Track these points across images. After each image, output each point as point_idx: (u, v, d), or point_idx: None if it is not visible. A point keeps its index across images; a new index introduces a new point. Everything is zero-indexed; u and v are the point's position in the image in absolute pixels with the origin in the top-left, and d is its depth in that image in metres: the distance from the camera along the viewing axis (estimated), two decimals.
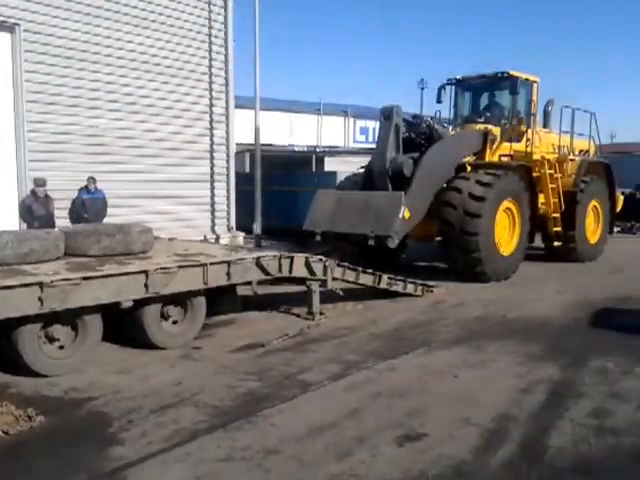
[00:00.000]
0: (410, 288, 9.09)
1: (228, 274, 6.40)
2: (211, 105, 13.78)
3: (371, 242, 9.27)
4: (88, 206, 11.01)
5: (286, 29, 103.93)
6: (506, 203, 10.60)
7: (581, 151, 14.04)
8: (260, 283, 7.61)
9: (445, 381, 5.43)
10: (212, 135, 13.87)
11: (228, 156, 14.23)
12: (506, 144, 11.86)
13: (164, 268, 5.81)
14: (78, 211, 11.02)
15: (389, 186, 10.24)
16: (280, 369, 5.68)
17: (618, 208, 14.92)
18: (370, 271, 8.36)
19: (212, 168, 13.98)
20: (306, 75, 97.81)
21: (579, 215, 12.55)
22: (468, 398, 5.00)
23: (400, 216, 9.22)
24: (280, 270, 7.00)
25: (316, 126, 34.87)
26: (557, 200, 12.04)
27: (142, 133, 12.82)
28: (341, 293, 8.05)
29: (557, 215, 12.06)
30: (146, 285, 5.70)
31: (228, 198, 14.48)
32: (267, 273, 6.85)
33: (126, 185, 12.49)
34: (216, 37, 13.92)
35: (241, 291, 7.46)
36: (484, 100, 12.95)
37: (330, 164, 20.92)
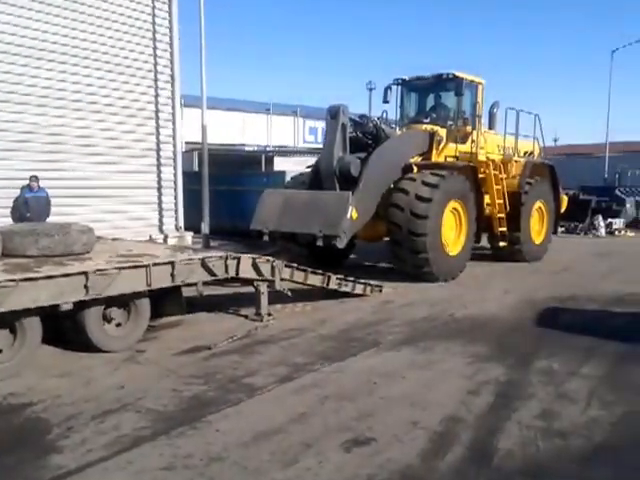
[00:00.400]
0: (359, 288, 9.08)
1: (172, 275, 6.22)
2: (157, 103, 13.46)
3: (319, 242, 9.18)
4: (31, 205, 10.63)
5: (236, 30, 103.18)
6: (452, 203, 10.67)
7: (526, 152, 14.30)
8: (208, 284, 7.43)
9: (393, 383, 5.39)
10: (158, 133, 13.56)
11: (175, 154, 13.94)
12: (452, 145, 11.97)
13: (105, 269, 5.58)
14: (21, 210, 10.62)
15: (336, 186, 10.18)
16: (226, 372, 5.54)
17: (562, 209, 15.28)
18: (319, 272, 8.30)
19: (159, 167, 13.65)
20: (257, 75, 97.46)
21: (524, 216, 12.74)
22: (416, 400, 4.97)
23: (348, 216, 9.18)
24: (226, 271, 6.85)
25: (266, 126, 34.73)
26: (502, 201, 12.23)
27: (87, 131, 12.43)
28: (290, 294, 7.93)
29: (502, 216, 12.23)
30: (86, 287, 5.47)
31: (176, 197, 14.18)
32: (213, 274, 6.69)
33: (69, 183, 12.09)
34: (162, 34, 13.60)
35: (188, 292, 7.29)
36: (430, 101, 13.00)
37: (280, 164, 20.80)
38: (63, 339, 6.08)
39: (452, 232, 10.92)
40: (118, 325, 6.11)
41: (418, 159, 11.45)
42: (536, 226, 13.63)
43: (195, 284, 6.60)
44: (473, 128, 12.25)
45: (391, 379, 5.50)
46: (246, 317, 7.65)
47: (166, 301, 6.61)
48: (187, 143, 25.52)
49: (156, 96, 13.53)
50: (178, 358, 5.95)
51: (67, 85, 12.11)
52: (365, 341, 6.77)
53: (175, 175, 14.08)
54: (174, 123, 13.93)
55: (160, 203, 13.78)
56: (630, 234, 21.13)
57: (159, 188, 13.70)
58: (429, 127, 11.89)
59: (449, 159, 11.91)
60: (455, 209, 10.85)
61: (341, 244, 9.18)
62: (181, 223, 14.44)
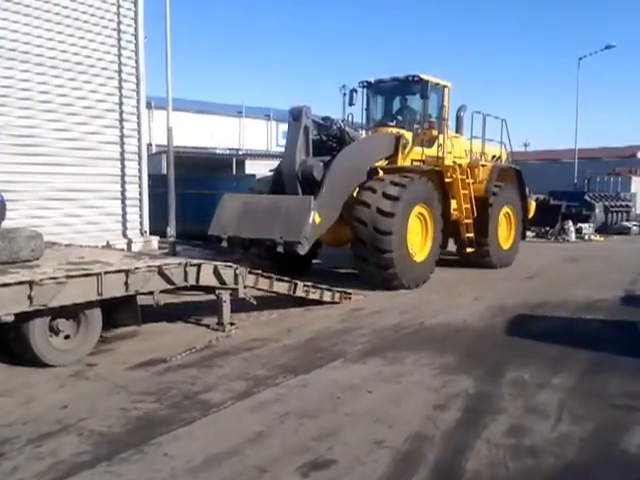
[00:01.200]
0: (327, 295, 8.81)
1: (126, 284, 5.86)
2: (121, 104, 13.08)
3: (280, 248, 8.82)
4: None
5: (207, 31, 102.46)
6: (418, 208, 10.42)
7: (494, 157, 14.17)
8: (169, 291, 7.09)
9: (358, 398, 5.12)
10: (122, 135, 13.15)
11: (140, 157, 13.56)
12: (418, 149, 11.75)
13: (51, 278, 5.21)
14: None
15: (299, 190, 9.86)
16: (181, 388, 5.21)
17: (530, 214, 15.19)
18: (285, 279, 8.00)
19: (122, 169, 13.25)
20: (228, 78, 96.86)
21: (491, 221, 12.54)
22: (381, 416, 4.71)
23: (310, 221, 8.86)
24: (186, 279, 6.52)
25: (238, 129, 34.35)
26: (469, 206, 12.03)
27: (47, 132, 11.98)
28: (254, 302, 7.61)
29: (469, 221, 12.04)
30: (30, 297, 5.09)
31: (140, 201, 13.78)
32: (171, 282, 6.35)
33: (27, 187, 11.62)
34: (128, 34, 13.24)
35: (148, 300, 6.93)
36: (396, 104, 12.75)
37: (251, 167, 20.51)
38: (10, 353, 5.67)
39: (418, 237, 10.69)
40: (67, 337, 5.72)
41: (384, 163, 11.20)
42: (504, 232, 13.43)
43: (152, 293, 6.23)
44: (440, 132, 12.00)
45: (357, 393, 5.23)
46: (208, 327, 7.32)
47: (120, 311, 6.23)
48: (157, 146, 25.12)
49: (120, 97, 13.13)
50: (131, 373, 5.60)
51: (34, 86, 11.69)
52: (331, 352, 6.48)
53: (140, 178, 13.69)
54: (139, 125, 13.55)
55: (124, 207, 13.37)
56: (600, 238, 21.28)
57: (122, 192, 13.29)
58: (395, 130, 11.64)
59: (416, 163, 11.69)
60: (421, 214, 10.62)
61: (303, 250, 8.85)
62: (146, 227, 14.03)
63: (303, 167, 9.88)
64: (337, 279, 10.21)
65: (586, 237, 21.23)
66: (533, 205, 15.69)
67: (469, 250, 12.27)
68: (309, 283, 8.43)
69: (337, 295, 9.00)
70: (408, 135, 11.59)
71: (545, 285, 11.14)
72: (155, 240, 14.29)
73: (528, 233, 22.54)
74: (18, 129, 11.54)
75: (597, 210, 23.53)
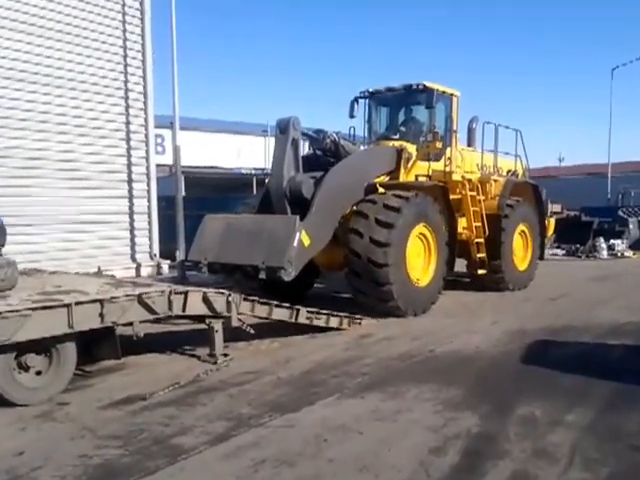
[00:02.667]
0: (334, 322, 8.34)
1: (101, 315, 5.49)
2: (128, 123, 12.92)
3: (262, 275, 8.08)
4: None
5: (233, 49, 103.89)
6: (419, 228, 9.67)
7: (509, 171, 13.39)
8: (163, 320, 6.72)
9: (347, 440, 4.64)
10: (129, 155, 13.00)
11: (149, 178, 13.36)
12: (424, 163, 10.92)
13: (12, 311, 4.87)
14: None
15: (287, 209, 9.11)
16: (154, 430, 4.79)
17: (549, 232, 14.38)
18: (286, 305, 7.56)
19: (130, 191, 13.07)
20: (254, 97, 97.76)
21: (505, 240, 11.73)
22: (369, 463, 4.22)
23: (295, 244, 8.18)
24: (170, 308, 6.12)
25: (264, 148, 34.29)
26: (480, 224, 11.26)
27: (53, 154, 11.89)
28: (252, 331, 7.17)
29: (481, 241, 11.28)
30: None
31: (150, 223, 13.59)
32: (153, 312, 5.96)
33: (33, 210, 11.51)
34: (135, 50, 13.17)
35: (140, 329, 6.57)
36: (400, 115, 11.95)
37: None
38: None
39: (420, 260, 9.90)
40: (38, 373, 5.38)
41: (386, 178, 10.49)
42: (519, 251, 12.57)
43: (131, 324, 5.85)
44: (447, 144, 11.29)
45: (346, 435, 4.74)
46: (199, 358, 6.91)
47: (99, 344, 5.87)
48: (182, 166, 25.14)
49: (127, 115, 13.00)
50: (103, 412, 5.20)
51: (40, 106, 11.63)
52: (328, 386, 6.01)
53: (149, 200, 13.52)
54: (147, 145, 13.40)
55: (132, 230, 13.18)
56: (633, 255, 20.35)
57: (131, 214, 13.11)
58: (397, 143, 10.87)
59: (421, 178, 10.93)
60: (422, 234, 9.83)
61: (288, 276, 8.09)
62: (156, 251, 13.81)
63: (291, 184, 9.18)
64: (345, 304, 9.71)
65: (619, 254, 20.33)
66: (552, 223, 14.80)
67: (481, 272, 11.44)
68: (313, 309, 7.98)
69: (345, 321, 8.53)
70: (411, 148, 10.83)
71: (570, 307, 10.47)
72: (166, 264, 14.06)
73: (557, 251, 21.91)
74: (27, 152, 11.47)
75: (631, 226, 22.56)
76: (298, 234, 8.20)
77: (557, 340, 8.03)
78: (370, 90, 11.58)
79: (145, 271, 13.30)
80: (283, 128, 9.25)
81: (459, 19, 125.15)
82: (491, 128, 12.16)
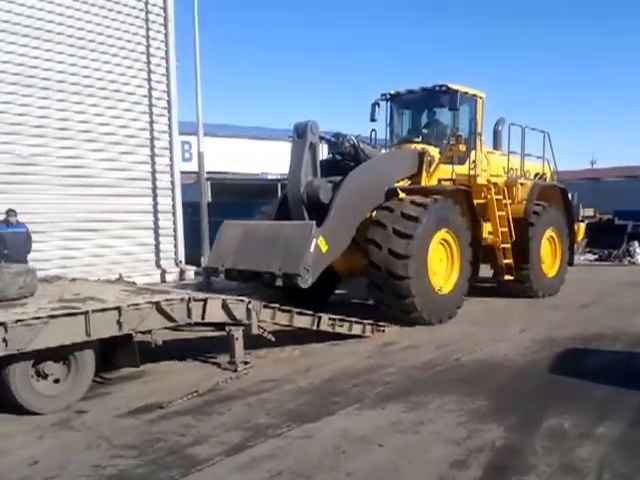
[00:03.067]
0: (357, 329, 8.20)
1: (119, 323, 5.46)
2: (152, 130, 13.00)
3: (279, 282, 7.94)
4: (9, 241, 10.18)
5: (258, 56, 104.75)
6: (441, 234, 9.40)
7: (537, 175, 13.03)
8: (185, 327, 6.68)
9: (366, 452, 4.51)
10: (154, 163, 13.08)
11: (173, 185, 13.42)
12: (447, 166, 10.61)
13: (28, 319, 4.87)
14: None
15: (305, 215, 8.96)
16: (170, 440, 4.73)
17: (579, 237, 13.94)
18: (307, 312, 7.46)
19: (155, 198, 13.14)
20: (282, 103, 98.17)
21: (532, 246, 11.36)
22: (387, 477, 4.09)
23: (311, 250, 7.98)
24: (189, 316, 6.07)
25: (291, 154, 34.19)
26: (506, 229, 10.90)
27: (77, 161, 12.02)
28: (272, 339, 7.09)
29: (507, 246, 10.92)
30: (5, 340, 4.75)
31: (175, 230, 13.65)
32: (172, 319, 5.92)
33: (57, 217, 11.65)
34: (159, 57, 13.28)
35: (161, 336, 6.54)
36: (423, 117, 11.66)
37: None
38: None
39: (442, 266, 9.66)
40: (57, 381, 5.37)
41: (407, 183, 10.22)
42: (548, 257, 12.18)
43: (150, 332, 5.82)
44: (472, 147, 11.00)
45: (365, 447, 4.61)
46: (219, 366, 6.85)
47: (117, 352, 5.85)
48: (208, 172, 25.29)
49: (151, 123, 13.09)
50: (120, 421, 5.17)
51: (67, 115, 11.78)
52: (348, 395, 5.88)
53: (174, 206, 13.57)
54: (171, 152, 13.47)
55: (157, 237, 13.24)
56: None
57: (156, 221, 13.19)
58: (419, 146, 10.62)
59: (445, 182, 10.64)
60: (444, 240, 9.56)
61: (305, 284, 7.94)
62: (181, 257, 13.86)
63: (309, 189, 9.01)
64: (367, 310, 9.49)
65: None
66: (582, 228, 14.34)
67: (507, 278, 11.08)
68: (335, 316, 7.87)
69: (368, 328, 8.39)
70: (434, 151, 10.55)
71: (602, 314, 10.15)
72: (191, 270, 14.11)
73: (589, 256, 21.38)
74: (57, 160, 11.63)
75: None
76: (315, 240, 8.06)
77: (588, 349, 7.76)
78: (392, 92, 11.33)
79: (170, 277, 13.36)
80: (301, 132, 9.11)
81: (486, 18, 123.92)
82: (518, 130, 11.87)
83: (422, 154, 10.35)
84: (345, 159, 10.00)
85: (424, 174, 10.32)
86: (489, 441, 4.70)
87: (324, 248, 8.24)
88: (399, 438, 4.80)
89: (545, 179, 13.11)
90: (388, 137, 11.61)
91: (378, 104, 11.44)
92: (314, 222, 8.32)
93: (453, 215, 9.60)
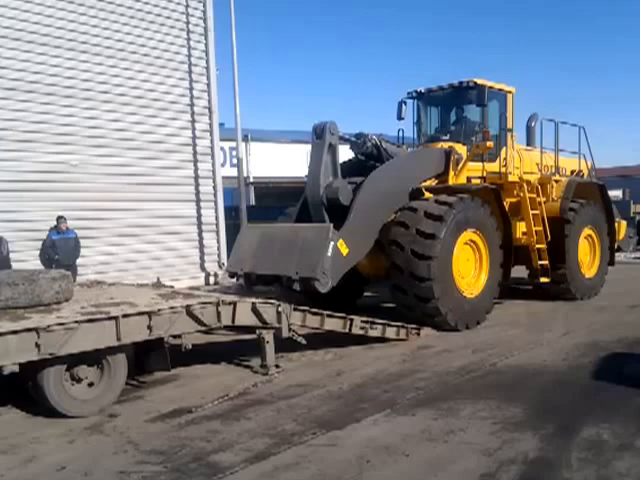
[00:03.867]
0: (391, 332, 7.99)
1: (149, 327, 5.45)
2: (194, 137, 13.11)
3: (296, 286, 7.62)
4: (59, 247, 10.43)
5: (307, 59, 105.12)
6: (468, 234, 8.93)
7: (573, 172, 12.34)
8: (217, 330, 6.64)
9: (391, 463, 4.32)
10: (196, 169, 13.18)
11: (215, 189, 13.49)
12: (476, 164, 10.17)
13: (60, 324, 4.89)
14: (48, 252, 10.43)
15: (325, 217, 8.63)
16: (195, 446, 4.66)
17: (620, 236, 13.11)
18: (339, 315, 7.30)
19: (198, 203, 13.23)
20: (327, 106, 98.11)
21: (569, 245, 10.78)
22: None
23: (329, 253, 7.66)
24: (219, 319, 6.02)
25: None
26: (541, 228, 10.37)
27: (123, 169, 12.20)
28: (303, 341, 6.97)
29: (542, 246, 10.36)
30: (38, 345, 4.78)
31: (218, 233, 13.71)
32: (202, 323, 5.87)
33: (106, 224, 11.85)
34: (201, 67, 13.38)
35: (195, 340, 6.52)
36: (450, 115, 11.13)
37: None
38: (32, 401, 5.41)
39: (470, 269, 9.17)
40: (90, 385, 5.39)
41: (434, 182, 9.76)
42: (586, 257, 11.55)
43: (180, 336, 5.78)
44: (503, 144, 10.48)
45: (391, 456, 4.43)
46: (251, 369, 6.78)
47: (149, 355, 5.84)
48: (254, 177, 25.49)
49: (193, 130, 13.21)
50: (150, 425, 5.13)
51: (104, 122, 11.98)
52: (378, 401, 5.70)
53: (216, 210, 13.63)
54: (213, 157, 13.53)
55: (201, 240, 13.32)
56: None
57: (199, 225, 13.27)
58: (446, 145, 10.13)
59: (475, 180, 10.15)
60: (473, 241, 9.10)
61: (323, 288, 7.62)
62: (224, 260, 13.89)
63: (328, 191, 8.66)
64: (399, 315, 9.03)
65: None
66: (624, 226, 13.50)
67: (543, 280, 10.47)
68: (368, 319, 7.68)
69: (402, 331, 8.17)
70: (461, 149, 10.08)
71: None
72: None
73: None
74: (95, 167, 11.83)
75: None
76: (333, 243, 7.77)
77: (634, 353, 7.34)
78: (418, 90, 10.92)
79: (213, 280, 13.42)
80: (319, 133, 8.80)
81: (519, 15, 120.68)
82: (551, 126, 11.31)
83: (449, 152, 9.91)
84: (369, 159, 9.67)
85: (451, 173, 9.86)
86: (522, 452, 4.44)
87: (344, 251, 7.95)
88: (427, 447, 4.60)
89: (582, 176, 12.41)
90: (415, 136, 11.21)
91: (405, 102, 11.07)
92: (331, 225, 8.04)
93: (481, 214, 9.15)
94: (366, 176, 8.93)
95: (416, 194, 9.17)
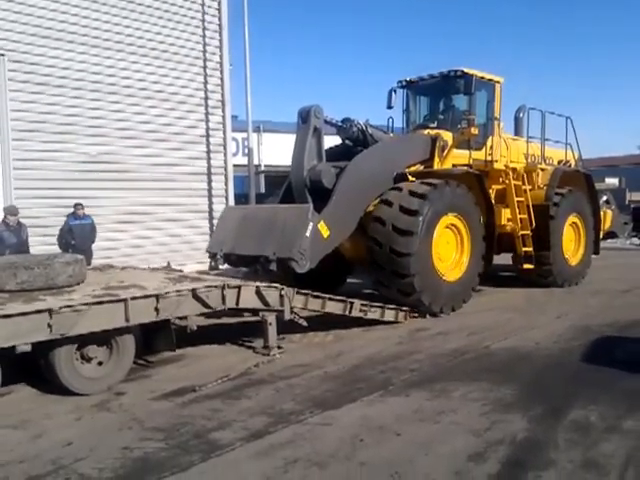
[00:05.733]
0: (389, 314, 7.93)
1: (156, 309, 5.39)
2: (208, 128, 13.04)
3: (272, 266, 7.35)
4: (76, 232, 10.39)
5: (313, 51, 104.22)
6: (448, 218, 8.66)
7: (560, 162, 12.06)
8: (222, 312, 6.56)
9: (383, 442, 4.26)
10: (209, 158, 13.10)
11: (226, 178, 13.40)
12: (463, 152, 9.86)
13: (71, 306, 4.84)
14: (66, 237, 10.40)
15: (309, 200, 8.28)
16: (196, 423, 4.61)
17: (606, 225, 12.80)
18: (339, 298, 7.23)
19: (210, 190, 13.16)
20: (337, 98, 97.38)
21: (554, 233, 10.45)
22: (402, 469, 3.83)
23: (308, 234, 7.37)
24: (224, 302, 5.96)
25: None
26: (526, 216, 10.10)
27: (136, 157, 12.16)
28: (305, 324, 6.91)
29: (527, 233, 10.08)
30: (50, 325, 4.74)
31: None
32: (207, 306, 5.82)
33: (120, 209, 11.81)
34: (215, 62, 13.28)
35: (201, 322, 6.48)
36: (438, 103, 10.85)
37: None
38: (43, 380, 5.39)
39: (450, 253, 8.89)
40: (100, 364, 5.36)
41: (420, 167, 9.46)
42: (570, 244, 11.22)
43: (186, 317, 5.73)
44: (490, 133, 10.24)
45: (383, 436, 4.36)
46: (254, 350, 6.72)
47: (155, 336, 5.79)
48: (265, 166, 25.45)
49: (207, 121, 13.12)
50: (154, 404, 5.09)
51: (127, 115, 11.94)
52: (374, 381, 5.63)
53: (227, 198, 13.54)
54: (225, 147, 13.43)
55: (212, 227, 13.24)
56: None
57: (210, 212, 13.19)
58: (433, 132, 9.85)
59: (462, 167, 9.74)
60: (454, 225, 8.84)
61: (300, 268, 7.32)
62: None
63: (311, 173, 8.36)
64: (379, 301, 8.67)
65: None
66: (609, 215, 13.11)
67: (527, 266, 10.23)
68: (366, 302, 7.60)
69: (401, 314, 8.10)
70: (447, 136, 9.75)
71: None
72: None
73: (635, 240, 20.22)
74: (115, 157, 11.80)
75: None
76: (312, 224, 7.47)
77: (624, 336, 7.23)
78: (407, 79, 10.64)
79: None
80: (305, 117, 8.49)
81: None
82: (539, 116, 10.99)
83: (435, 139, 9.60)
84: (356, 145, 9.39)
85: (436, 159, 9.59)
86: (510, 433, 4.36)
87: (325, 233, 7.67)
88: (419, 427, 4.53)
89: (570, 166, 12.14)
90: (404, 124, 10.95)
91: (395, 91, 10.77)
92: (310, 205, 7.78)
93: (463, 199, 8.89)
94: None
95: (400, 179, 8.87)
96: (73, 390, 5.15)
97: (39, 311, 4.72)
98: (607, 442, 4.19)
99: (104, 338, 5.30)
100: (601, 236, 12.35)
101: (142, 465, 3.93)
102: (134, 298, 5.25)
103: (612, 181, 31.37)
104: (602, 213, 12.43)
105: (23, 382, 5.52)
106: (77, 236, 10.34)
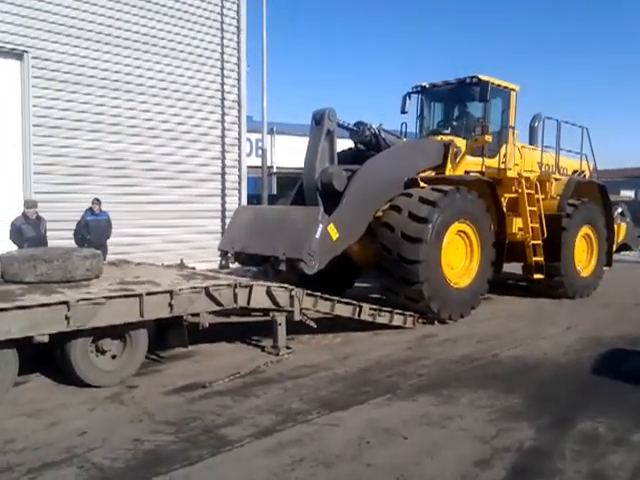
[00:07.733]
0: (398, 319, 7.93)
1: (170, 305, 5.48)
2: (223, 129, 13.15)
3: (282, 267, 7.37)
4: (92, 227, 10.50)
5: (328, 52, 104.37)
6: (458, 225, 8.59)
7: (575, 172, 11.96)
8: (234, 311, 6.63)
9: (389, 445, 4.30)
10: (224, 158, 13.21)
11: (240, 178, 13.50)
12: (476, 159, 9.82)
13: (89, 299, 4.94)
14: (82, 232, 10.52)
15: (319, 201, 8.26)
16: (206, 419, 4.68)
17: (619, 237, 12.64)
18: (348, 301, 7.27)
19: (223, 190, 13.26)
20: (352, 102, 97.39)
21: (565, 243, 10.29)
22: (407, 472, 3.87)
23: (317, 236, 7.37)
24: (235, 301, 6.02)
25: None
26: (538, 225, 9.96)
27: (158, 157, 12.33)
28: (314, 325, 6.95)
29: (538, 242, 9.97)
30: (67, 318, 4.84)
31: None
32: (219, 304, 5.89)
33: (136, 207, 11.94)
34: (232, 63, 13.41)
35: (210, 319, 6.54)
36: (453, 110, 10.72)
37: None
38: (59, 371, 5.49)
39: (460, 261, 8.83)
40: (114, 357, 5.45)
41: (432, 173, 9.39)
42: (582, 256, 11.05)
43: (198, 314, 5.81)
44: (504, 141, 10.14)
45: (390, 439, 4.40)
46: (263, 349, 6.79)
47: (168, 332, 5.88)
48: (277, 167, 25.55)
49: (223, 122, 13.24)
50: (165, 398, 5.17)
51: (136, 113, 12.07)
52: (381, 385, 5.67)
53: (240, 198, 13.62)
54: (239, 148, 13.53)
55: (224, 226, 13.33)
56: None
57: (223, 211, 13.29)
58: (447, 138, 9.77)
59: (473, 174, 9.68)
60: (464, 232, 8.76)
61: (309, 270, 7.31)
62: None
63: (323, 175, 8.32)
64: (386, 305, 8.80)
65: None
66: (623, 227, 12.97)
67: (537, 276, 10.07)
68: (376, 306, 7.63)
69: (409, 319, 8.11)
70: (460, 143, 9.66)
71: None
72: None
73: None
74: (136, 155, 11.96)
75: None
76: (321, 226, 7.47)
77: (635, 349, 7.20)
78: (423, 85, 10.60)
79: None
80: (318, 119, 8.50)
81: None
82: (554, 126, 10.93)
83: (447, 145, 9.51)
84: (368, 149, 9.40)
85: (449, 165, 9.49)
86: (517, 441, 4.39)
87: (334, 236, 7.67)
88: (425, 432, 4.56)
89: (584, 176, 12.04)
90: (418, 130, 10.90)
91: (409, 96, 10.72)
92: (321, 207, 7.81)
93: (474, 207, 8.82)
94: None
95: (411, 184, 8.81)
96: (87, 382, 5.24)
97: (58, 303, 4.81)
98: (615, 454, 4.20)
99: (119, 332, 5.39)
100: (614, 248, 12.23)
101: (152, 457, 4.00)
102: (149, 294, 5.34)
103: (628, 193, 31.16)
104: (616, 225, 12.31)
105: (38, 373, 5.63)
106: (93, 231, 10.44)
